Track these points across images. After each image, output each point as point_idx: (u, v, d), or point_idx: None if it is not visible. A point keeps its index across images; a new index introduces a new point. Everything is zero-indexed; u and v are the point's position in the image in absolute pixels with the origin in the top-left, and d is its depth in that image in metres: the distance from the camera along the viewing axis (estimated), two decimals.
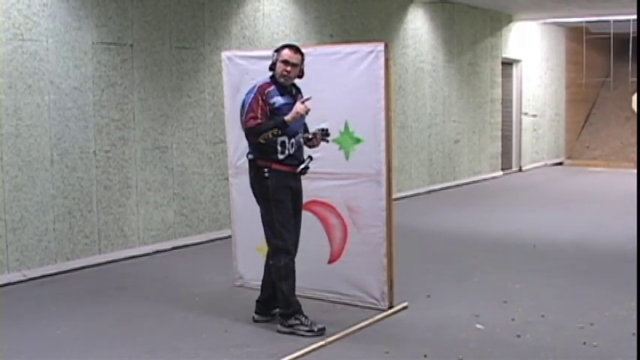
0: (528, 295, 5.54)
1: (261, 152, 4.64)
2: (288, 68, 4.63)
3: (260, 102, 4.55)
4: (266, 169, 4.63)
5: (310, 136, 4.75)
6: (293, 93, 4.75)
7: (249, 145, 4.73)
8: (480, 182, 12.37)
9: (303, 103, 4.58)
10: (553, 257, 6.88)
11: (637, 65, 11.46)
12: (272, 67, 4.69)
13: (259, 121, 4.52)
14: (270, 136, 4.51)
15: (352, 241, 5.23)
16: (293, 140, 4.67)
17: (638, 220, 4.22)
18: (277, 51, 4.69)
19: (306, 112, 4.58)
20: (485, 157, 12.86)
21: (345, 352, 4.43)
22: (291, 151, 4.67)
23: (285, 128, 4.54)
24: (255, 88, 4.61)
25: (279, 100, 4.61)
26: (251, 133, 4.55)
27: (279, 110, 4.57)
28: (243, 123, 4.60)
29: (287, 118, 4.52)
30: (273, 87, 4.63)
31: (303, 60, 4.71)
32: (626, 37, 14.14)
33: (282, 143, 4.61)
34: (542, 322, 4.91)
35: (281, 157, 4.63)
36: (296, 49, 4.70)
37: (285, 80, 4.67)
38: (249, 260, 5.58)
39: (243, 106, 4.66)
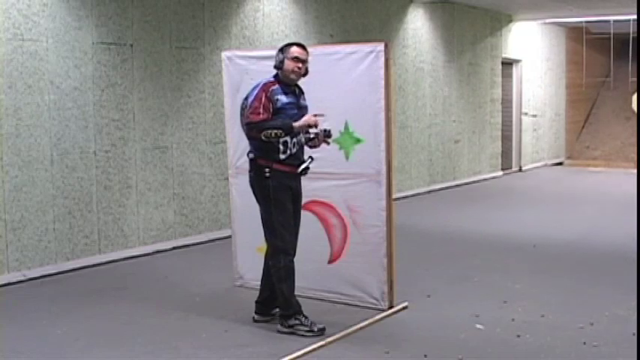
0: (528, 295, 5.54)
1: (262, 151, 4.64)
2: (300, 65, 4.67)
3: (264, 99, 4.56)
4: (267, 169, 4.63)
5: (312, 136, 4.74)
6: (296, 93, 4.77)
7: (251, 144, 4.73)
8: (480, 182, 12.36)
9: (315, 116, 4.62)
10: (553, 257, 6.88)
11: (637, 65, 11.47)
12: (278, 66, 4.70)
13: (262, 116, 4.53)
14: (273, 135, 4.50)
15: (352, 241, 5.23)
16: (295, 140, 4.67)
17: (638, 220, 4.23)
18: (283, 50, 4.70)
19: (315, 126, 4.61)
20: (486, 157, 12.86)
21: (345, 352, 4.42)
22: (293, 151, 4.67)
23: (289, 133, 4.55)
24: (259, 86, 4.63)
25: (282, 98, 4.62)
26: (253, 127, 4.54)
27: (283, 109, 4.59)
28: (245, 117, 4.61)
29: (295, 124, 4.55)
30: (277, 85, 4.64)
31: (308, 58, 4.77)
32: (626, 37, 14.14)
33: (285, 142, 4.61)
34: (542, 322, 4.90)
35: (282, 156, 4.63)
36: (303, 47, 4.75)
37: (296, 77, 4.69)
38: (249, 260, 5.58)
39: (245, 103, 4.67)
